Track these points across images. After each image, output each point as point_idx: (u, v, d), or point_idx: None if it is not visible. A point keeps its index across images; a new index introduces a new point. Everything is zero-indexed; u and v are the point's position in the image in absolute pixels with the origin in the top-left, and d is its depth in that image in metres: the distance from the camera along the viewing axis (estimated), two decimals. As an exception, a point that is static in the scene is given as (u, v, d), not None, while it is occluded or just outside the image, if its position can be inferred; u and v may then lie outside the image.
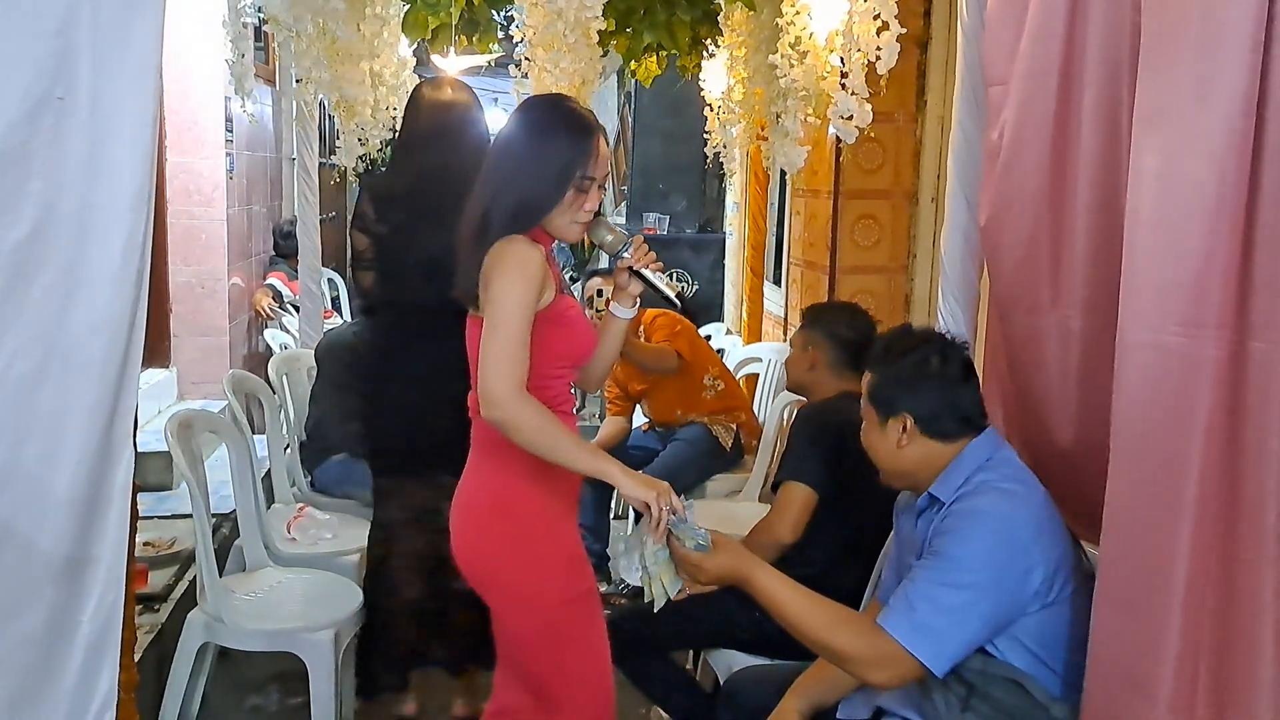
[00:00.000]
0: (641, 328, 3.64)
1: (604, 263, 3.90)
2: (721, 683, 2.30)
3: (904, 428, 1.72)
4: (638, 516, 1.79)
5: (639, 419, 3.99)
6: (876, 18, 2.34)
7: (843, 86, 2.45)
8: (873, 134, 2.61)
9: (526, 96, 2.17)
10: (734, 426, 3.67)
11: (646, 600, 1.74)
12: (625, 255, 1.89)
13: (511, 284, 1.71)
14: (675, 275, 6.75)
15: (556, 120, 1.79)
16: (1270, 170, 1.23)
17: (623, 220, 8.05)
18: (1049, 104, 1.65)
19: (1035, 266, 1.74)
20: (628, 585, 3.70)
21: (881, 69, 2.37)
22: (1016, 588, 1.59)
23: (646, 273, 1.89)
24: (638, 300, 1.95)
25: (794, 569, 2.14)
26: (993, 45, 1.80)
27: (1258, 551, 1.27)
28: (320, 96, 2.89)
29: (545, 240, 1.83)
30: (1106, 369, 1.42)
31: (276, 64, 4.83)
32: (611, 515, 3.96)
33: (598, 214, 1.85)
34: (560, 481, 1.85)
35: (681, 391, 3.68)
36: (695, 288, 6.48)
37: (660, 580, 1.72)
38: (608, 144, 1.85)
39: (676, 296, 1.93)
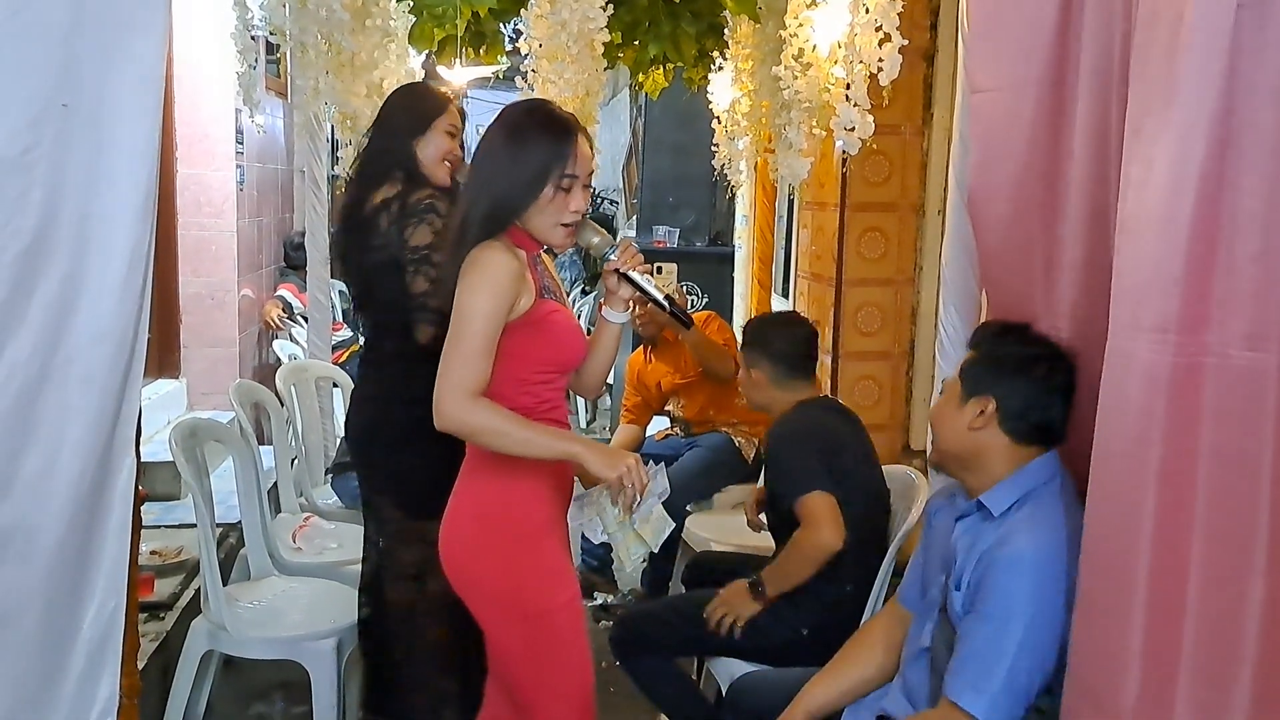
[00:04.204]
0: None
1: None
2: (723, 691, 2.30)
3: (982, 411, 1.67)
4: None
5: (653, 428, 3.99)
6: (878, 29, 2.34)
7: (846, 98, 2.46)
8: (875, 146, 2.60)
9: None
10: (755, 440, 3.68)
11: (624, 564, 1.81)
12: (612, 258, 1.86)
13: (475, 292, 1.71)
14: (685, 288, 6.76)
15: (531, 121, 1.79)
16: (1236, 182, 1.23)
17: (633, 233, 8.06)
18: (1039, 113, 1.64)
19: (1025, 277, 1.74)
20: (634, 595, 3.70)
21: (884, 80, 2.37)
22: (1069, 621, 1.56)
23: (634, 275, 1.86)
24: (629, 304, 1.94)
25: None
26: (976, 53, 1.79)
27: (1244, 560, 1.26)
28: (329, 108, 2.92)
29: (531, 246, 1.82)
30: (1090, 379, 1.42)
31: (288, 76, 4.87)
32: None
33: (583, 216, 1.83)
34: (545, 492, 1.86)
35: (717, 394, 3.69)
36: (705, 300, 6.48)
37: (628, 546, 1.78)
38: (590, 145, 1.84)
39: (666, 299, 1.91)
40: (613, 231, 8.13)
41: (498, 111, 1.89)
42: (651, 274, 1.90)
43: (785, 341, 2.50)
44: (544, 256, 1.92)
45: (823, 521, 2.22)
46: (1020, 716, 1.57)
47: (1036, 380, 1.67)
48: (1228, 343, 1.24)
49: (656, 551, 1.82)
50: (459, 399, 1.69)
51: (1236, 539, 1.27)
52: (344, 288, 5.79)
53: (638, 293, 1.88)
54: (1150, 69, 1.32)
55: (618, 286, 1.89)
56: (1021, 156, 1.69)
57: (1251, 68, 1.21)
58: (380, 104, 2.42)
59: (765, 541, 2.62)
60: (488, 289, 1.71)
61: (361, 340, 2.50)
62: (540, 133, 1.76)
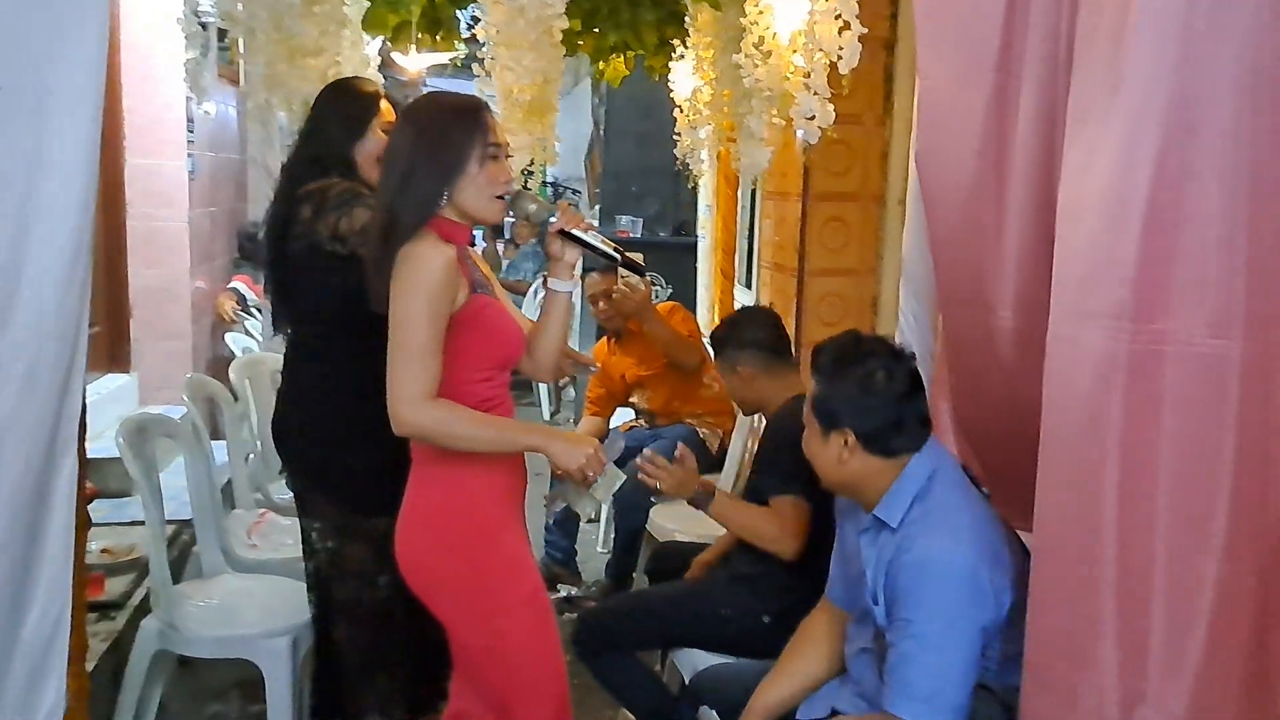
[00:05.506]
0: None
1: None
2: (687, 682, 2.29)
3: (845, 442, 1.72)
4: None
5: (618, 419, 3.97)
6: (838, 18, 2.33)
7: (806, 87, 2.44)
8: (836, 135, 2.59)
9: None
10: (720, 432, 3.67)
11: (586, 518, 1.93)
12: (554, 220, 1.83)
13: (411, 293, 1.66)
14: (650, 278, 6.74)
15: (438, 107, 1.77)
16: (1197, 169, 1.23)
17: (596, 224, 8.01)
18: (985, 100, 1.64)
19: (973, 264, 1.74)
20: (598, 587, 3.68)
21: (843, 69, 2.36)
22: (993, 615, 1.61)
23: (578, 233, 1.83)
24: (575, 272, 1.90)
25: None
26: (924, 40, 1.79)
27: (1203, 541, 1.27)
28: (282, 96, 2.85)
29: (460, 238, 1.77)
30: (1037, 366, 1.42)
31: (241, 65, 4.77)
32: (583, 519, 3.94)
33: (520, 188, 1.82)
34: (499, 486, 1.83)
35: (682, 385, 3.67)
36: (669, 291, 6.47)
37: (582, 504, 1.86)
38: (494, 116, 1.81)
39: (615, 250, 1.87)
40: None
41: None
42: (594, 231, 1.87)
43: (758, 329, 2.52)
44: (472, 253, 1.88)
45: (788, 526, 2.25)
46: (962, 702, 1.59)
47: (880, 394, 1.71)
48: (1189, 330, 1.25)
49: (607, 504, 1.84)
50: (415, 403, 1.65)
51: (1195, 523, 1.28)
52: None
53: (586, 251, 1.85)
54: (1096, 54, 1.31)
55: (562, 251, 1.85)
56: (968, 143, 1.69)
57: (1210, 53, 1.20)
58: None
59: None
60: (426, 285, 1.66)
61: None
62: (451, 112, 1.74)
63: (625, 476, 1.88)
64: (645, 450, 2.32)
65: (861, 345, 1.78)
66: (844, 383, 1.73)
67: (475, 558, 1.80)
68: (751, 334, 2.51)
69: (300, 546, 2.83)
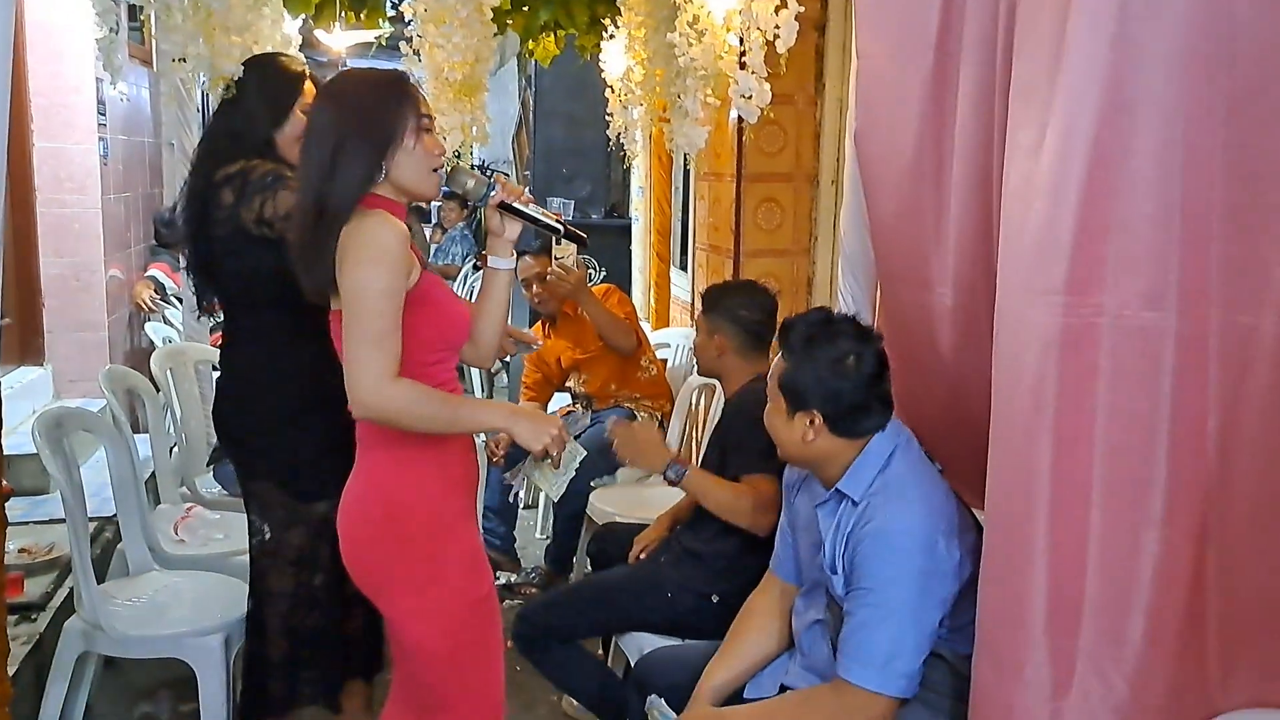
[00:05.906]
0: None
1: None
2: (632, 665, 2.29)
3: (811, 423, 1.72)
4: (521, 456, 1.80)
5: (554, 404, 3.94)
6: (774, -5, 2.33)
7: (742, 66, 2.43)
8: (771, 115, 2.59)
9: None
10: (659, 415, 3.67)
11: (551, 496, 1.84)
12: (494, 194, 1.78)
13: (368, 266, 1.57)
14: (585, 260, 6.69)
15: (361, 82, 1.70)
16: (1129, 146, 1.25)
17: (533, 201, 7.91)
18: (922, 79, 1.65)
19: (913, 243, 1.75)
20: (538, 573, 3.66)
21: (781, 48, 2.36)
22: (951, 584, 1.64)
23: (519, 205, 1.78)
24: (514, 248, 1.85)
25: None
26: (863, 19, 1.79)
27: (1140, 513, 1.30)
28: (200, 77, 2.74)
29: (401, 213, 1.70)
30: (978, 344, 1.44)
31: (153, 44, 4.60)
32: (521, 506, 3.91)
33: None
34: (456, 476, 1.77)
35: (619, 368, 3.65)
36: (603, 274, 6.44)
37: (549, 481, 1.83)
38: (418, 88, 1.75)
39: (557, 221, 1.84)
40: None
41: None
42: (538, 204, 1.83)
43: (754, 310, 2.48)
44: None
45: (765, 503, 2.22)
46: (915, 669, 1.62)
47: (850, 377, 1.70)
48: (1123, 303, 1.27)
49: (570, 475, 1.81)
50: (378, 385, 1.57)
51: (1133, 494, 1.30)
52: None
53: (526, 223, 1.81)
54: (1038, 34, 1.33)
55: (503, 227, 1.81)
56: (907, 123, 1.70)
57: (1143, 32, 1.22)
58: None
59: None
60: (382, 261, 1.58)
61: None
62: (377, 86, 1.68)
63: (586, 452, 1.87)
64: (610, 419, 2.30)
65: (832, 326, 1.76)
66: (814, 364, 1.72)
67: (436, 552, 1.73)
68: (746, 312, 2.47)
69: (228, 541, 2.77)
